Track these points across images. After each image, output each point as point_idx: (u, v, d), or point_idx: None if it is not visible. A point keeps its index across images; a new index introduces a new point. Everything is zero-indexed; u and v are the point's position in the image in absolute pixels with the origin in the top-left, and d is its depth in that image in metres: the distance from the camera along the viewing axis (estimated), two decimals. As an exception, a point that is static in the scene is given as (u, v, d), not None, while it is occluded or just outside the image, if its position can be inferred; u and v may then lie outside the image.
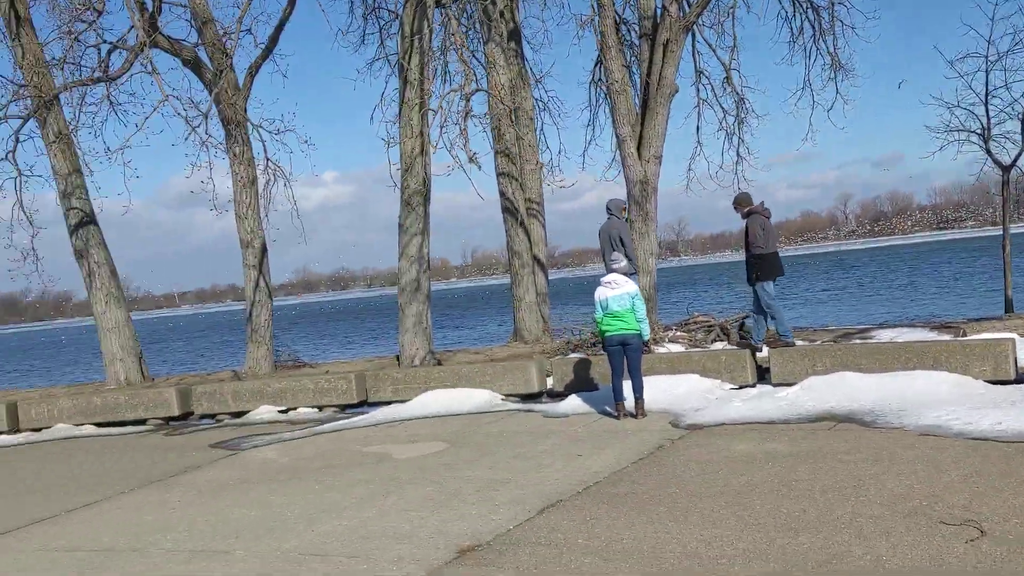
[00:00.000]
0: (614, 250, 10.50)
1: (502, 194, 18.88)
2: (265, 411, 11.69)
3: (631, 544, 4.96)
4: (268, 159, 15.38)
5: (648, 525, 5.25)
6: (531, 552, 4.98)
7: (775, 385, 9.12)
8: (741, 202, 10.89)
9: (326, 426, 10.23)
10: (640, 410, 8.56)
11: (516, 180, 18.86)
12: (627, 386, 8.56)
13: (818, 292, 35.08)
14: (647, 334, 8.64)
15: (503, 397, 10.68)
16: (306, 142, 15.17)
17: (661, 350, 12.26)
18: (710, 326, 14.36)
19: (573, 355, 12.41)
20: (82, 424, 12.24)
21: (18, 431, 12.47)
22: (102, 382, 19.74)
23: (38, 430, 12.35)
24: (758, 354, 9.97)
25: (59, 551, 5.99)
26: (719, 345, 12.29)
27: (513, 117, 19.07)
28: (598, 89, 23.55)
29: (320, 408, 11.60)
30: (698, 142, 20.06)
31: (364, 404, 11.60)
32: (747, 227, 10.55)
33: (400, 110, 15.29)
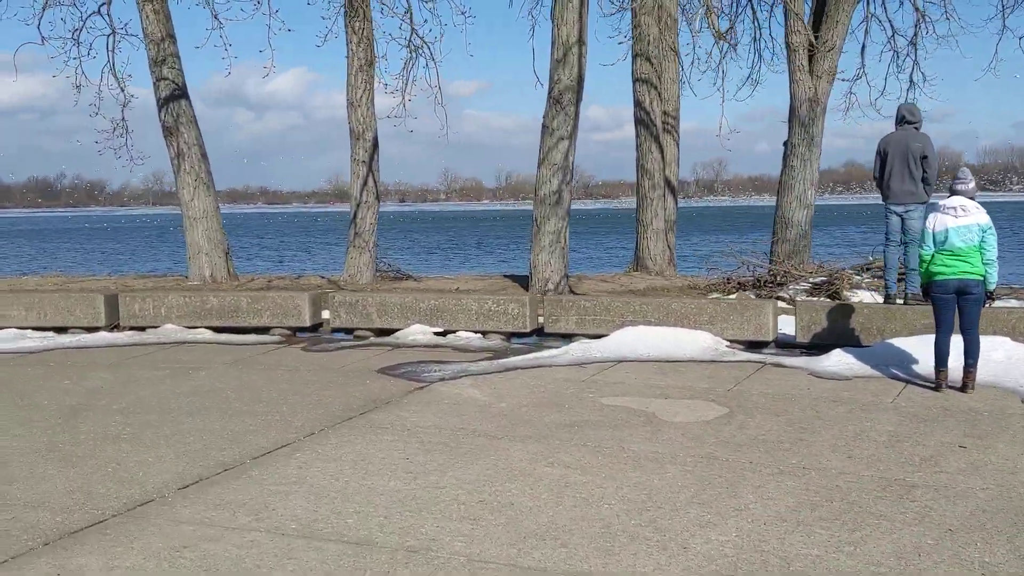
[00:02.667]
0: (915, 168, 8.22)
1: (638, 103, 16.60)
2: (418, 331, 9.73)
3: None
4: (414, 29, 13.03)
5: None
6: None
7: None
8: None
9: (515, 359, 8.23)
10: (970, 381, 6.48)
11: (655, 88, 16.52)
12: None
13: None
14: (994, 282, 6.48)
15: (728, 343, 8.62)
16: (463, 13, 12.57)
17: (855, 299, 10.14)
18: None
19: (813, 299, 10.33)
20: (195, 327, 10.34)
21: (117, 327, 10.62)
22: (183, 276, 17.97)
23: (142, 328, 10.48)
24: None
25: (288, 535, 4.06)
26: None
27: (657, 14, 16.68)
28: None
29: (484, 334, 9.62)
30: (862, 63, 17.55)
31: (536, 333, 9.62)
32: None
33: (556, -11, 12.91)
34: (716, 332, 8.67)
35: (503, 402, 6.55)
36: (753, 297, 12.02)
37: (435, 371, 7.80)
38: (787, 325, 8.87)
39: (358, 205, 15.62)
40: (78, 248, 45.66)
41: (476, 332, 9.66)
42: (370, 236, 15.67)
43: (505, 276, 16.82)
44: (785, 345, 8.68)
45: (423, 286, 14.71)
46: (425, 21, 12.15)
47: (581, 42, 13.02)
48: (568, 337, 9.35)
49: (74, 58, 14.43)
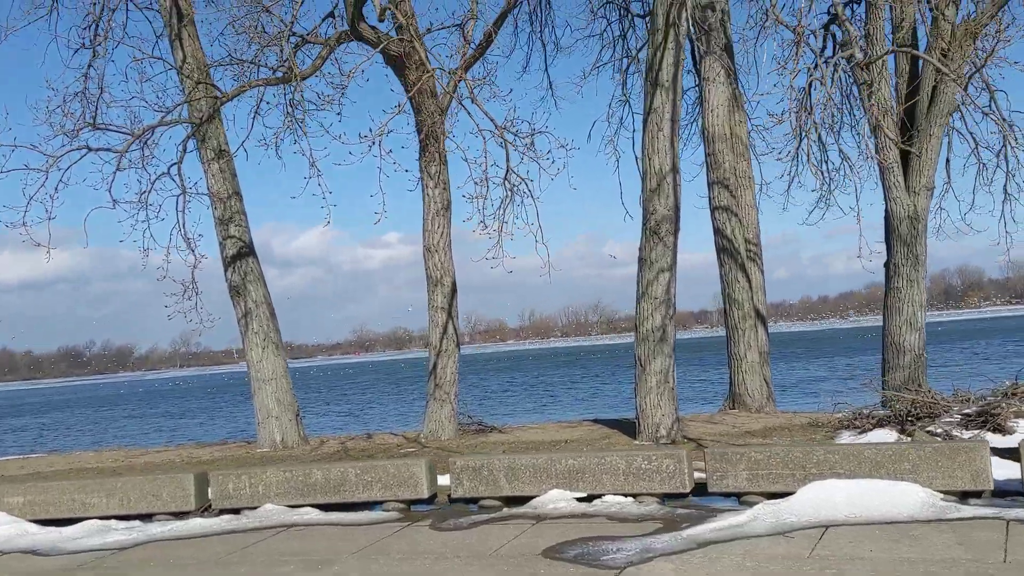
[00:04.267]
0: None
1: (718, 231, 15.82)
2: (558, 498, 8.45)
3: None
4: (510, 168, 12.32)
5: None
6: None
7: None
8: None
9: (699, 531, 6.91)
10: None
11: (735, 215, 15.77)
12: None
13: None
14: None
15: (941, 495, 7.30)
16: (563, 147, 11.91)
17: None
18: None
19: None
20: (298, 505, 9.10)
21: (208, 510, 9.41)
22: (246, 442, 16.85)
23: (236, 511, 9.26)
24: None
25: None
26: None
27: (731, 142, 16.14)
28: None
29: (635, 496, 8.33)
30: (947, 176, 16.75)
31: (695, 493, 8.32)
32: None
33: (646, 120, 12.27)
34: (923, 483, 7.36)
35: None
36: (897, 435, 10.75)
37: (613, 552, 6.51)
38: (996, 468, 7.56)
39: (437, 354, 14.64)
40: (121, 417, 44.74)
41: (626, 496, 8.38)
42: (451, 387, 14.63)
43: (596, 421, 15.58)
44: (1005, 494, 7.35)
45: (512, 438, 13.49)
46: (521, 159, 11.43)
47: (675, 170, 12.29)
48: (737, 497, 8.05)
49: (142, 221, 13.84)
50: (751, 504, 7.69)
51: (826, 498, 7.27)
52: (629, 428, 12.93)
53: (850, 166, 19.28)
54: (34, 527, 9.11)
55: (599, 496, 8.45)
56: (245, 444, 16.41)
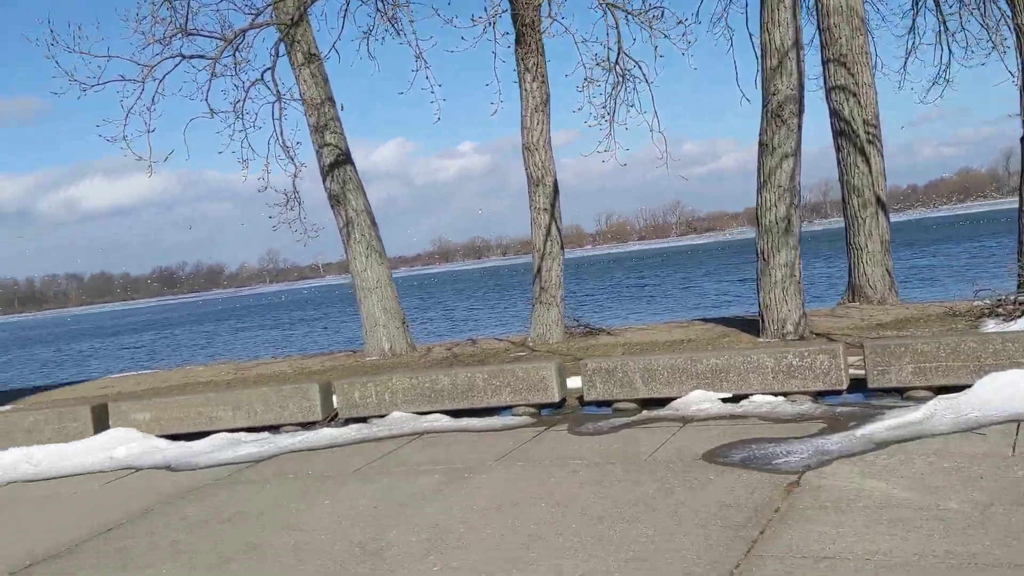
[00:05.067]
0: None
1: (835, 113, 14.74)
2: (701, 399, 7.95)
3: None
4: (621, 49, 11.45)
5: None
6: None
7: None
8: None
9: (873, 429, 6.33)
10: None
11: (853, 95, 14.59)
12: None
13: None
14: None
15: None
16: (681, 22, 10.96)
17: None
18: None
19: None
20: (426, 412, 8.83)
21: (332, 420, 9.23)
22: (352, 351, 16.78)
23: (363, 419, 9.05)
24: None
25: None
26: None
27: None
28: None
29: (786, 396, 7.77)
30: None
31: (854, 390, 7.71)
32: None
33: (765, -8, 11.18)
34: (1122, 372, 6.61)
35: (948, 500, 4.68)
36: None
37: (783, 455, 5.98)
38: None
39: (542, 257, 14.14)
40: (224, 332, 45.96)
41: (775, 395, 7.82)
42: (557, 290, 14.16)
43: (707, 320, 14.96)
44: None
45: (623, 340, 12.99)
46: (634, 40, 10.49)
47: (798, 45, 11.24)
48: (900, 392, 7.41)
49: (239, 131, 13.50)
50: (920, 400, 7.05)
51: (1014, 391, 6.58)
52: (747, 326, 12.31)
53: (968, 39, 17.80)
54: (163, 442, 9.07)
55: (745, 396, 7.92)
56: (351, 353, 16.36)
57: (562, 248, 14.41)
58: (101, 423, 9.49)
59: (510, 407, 8.74)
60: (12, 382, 24.77)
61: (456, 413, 8.80)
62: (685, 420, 7.49)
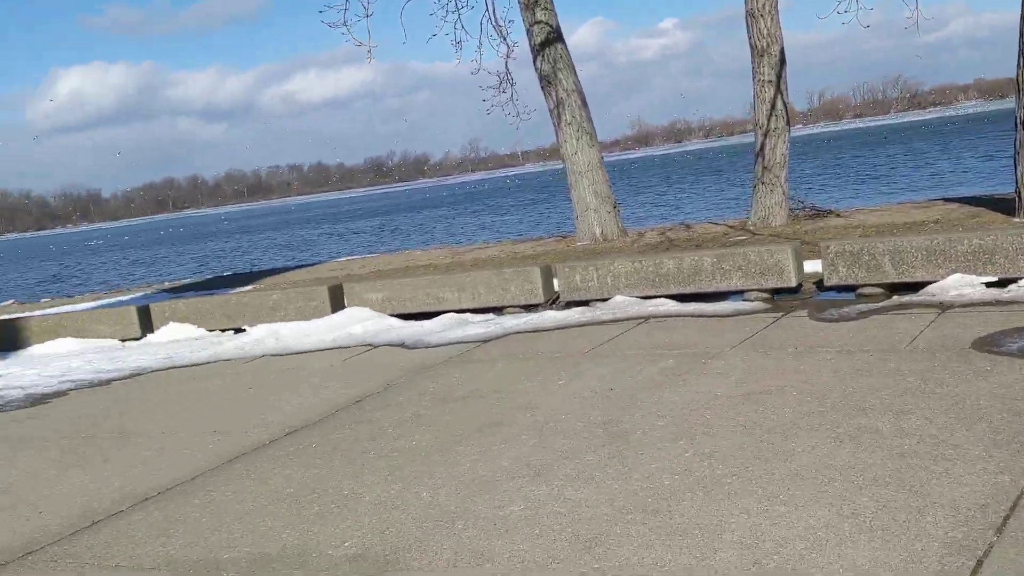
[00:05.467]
0: None
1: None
2: (961, 283, 7.19)
3: None
4: None
5: None
6: None
7: None
8: None
9: None
10: None
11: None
12: None
13: None
14: None
15: None
16: None
17: None
18: None
19: None
20: (650, 296, 8.59)
21: (554, 303, 9.19)
22: (568, 236, 16.72)
23: (585, 303, 8.94)
24: None
25: None
26: None
27: None
28: None
29: (1065, 280, 6.88)
30: None
31: None
32: None
33: None
34: None
35: None
36: None
37: (1074, 345, 5.27)
38: None
39: (765, 134, 13.27)
40: (436, 218, 47.56)
41: (1052, 278, 6.94)
42: (781, 170, 13.32)
43: (949, 200, 13.63)
44: None
45: (855, 222, 12.06)
46: None
47: None
48: None
49: (452, 12, 13.38)
50: None
51: None
52: (998, 205, 11.12)
53: None
54: (396, 321, 9.39)
55: (1013, 280, 7.08)
56: (561, 239, 16.33)
57: (788, 124, 13.49)
58: (337, 302, 9.95)
59: (740, 292, 8.33)
60: (248, 266, 26.85)
61: (681, 298, 8.50)
62: (943, 306, 6.80)
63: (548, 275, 9.27)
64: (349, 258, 20.24)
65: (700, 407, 5.09)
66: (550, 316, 8.59)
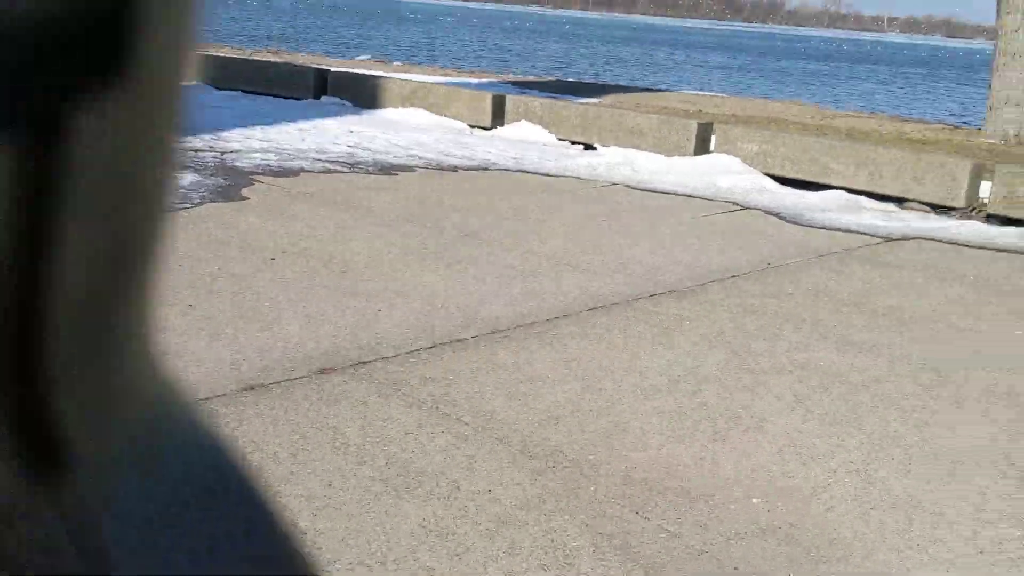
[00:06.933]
0: None
1: None
2: None
3: None
4: None
5: None
6: None
7: None
8: None
9: None
10: None
11: None
12: None
13: None
14: None
15: None
16: None
17: None
18: None
19: None
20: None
21: (973, 211, 7.36)
22: (964, 127, 14.07)
23: (1019, 222, 7.06)
24: None
25: None
26: None
27: None
28: None
29: None
30: None
31: None
32: None
33: None
34: None
35: None
36: None
37: None
38: None
39: None
40: (795, 72, 43.84)
41: None
42: None
43: None
44: None
45: None
46: None
47: None
48: None
49: None
50: None
51: None
52: None
53: None
54: (771, 183, 8.03)
55: None
56: (955, 128, 13.77)
57: None
58: (703, 144, 8.73)
59: None
60: (590, 76, 25.85)
61: None
62: None
63: (978, 175, 7.41)
64: (698, 92, 18.64)
65: None
66: (975, 228, 6.85)
